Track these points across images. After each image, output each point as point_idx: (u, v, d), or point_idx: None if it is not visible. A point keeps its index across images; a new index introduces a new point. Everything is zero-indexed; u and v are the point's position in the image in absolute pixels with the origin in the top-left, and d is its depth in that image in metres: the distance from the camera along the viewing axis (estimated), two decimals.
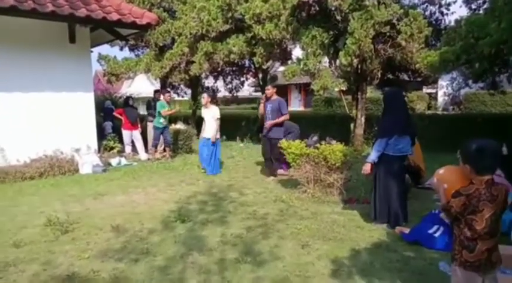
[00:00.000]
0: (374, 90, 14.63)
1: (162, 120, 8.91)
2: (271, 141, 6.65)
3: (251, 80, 17.18)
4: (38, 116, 7.66)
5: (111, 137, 9.93)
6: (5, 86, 7.30)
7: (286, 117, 6.70)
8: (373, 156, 4.17)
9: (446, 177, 2.24)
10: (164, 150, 9.33)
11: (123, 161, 8.71)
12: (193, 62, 11.13)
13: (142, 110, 13.00)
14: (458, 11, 14.41)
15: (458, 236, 2.09)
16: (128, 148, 9.82)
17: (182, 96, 15.84)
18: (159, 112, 8.83)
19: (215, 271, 3.20)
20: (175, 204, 5.30)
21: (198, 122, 10.13)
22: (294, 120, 7.94)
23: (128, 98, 10.67)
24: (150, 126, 9.80)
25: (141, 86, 23.54)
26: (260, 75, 13.75)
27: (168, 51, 11.46)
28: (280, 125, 6.68)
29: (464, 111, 17.28)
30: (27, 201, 5.55)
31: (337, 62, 9.07)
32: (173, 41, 11.57)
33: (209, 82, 15.54)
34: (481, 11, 8.09)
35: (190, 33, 10.58)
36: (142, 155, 9.46)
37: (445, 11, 10.40)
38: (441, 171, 2.29)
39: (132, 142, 9.78)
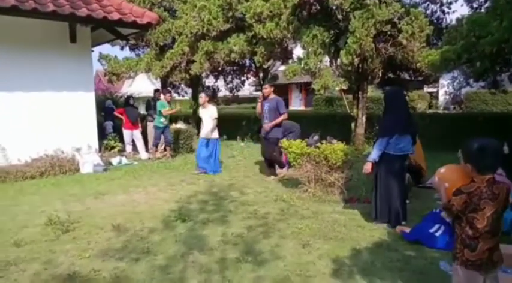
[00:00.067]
0: (375, 89, 14.62)
1: (162, 119, 8.91)
2: (269, 140, 6.65)
3: (252, 79, 17.17)
4: (39, 115, 7.67)
5: (111, 136, 9.94)
6: (6, 86, 7.31)
7: (284, 116, 6.65)
8: (374, 155, 4.16)
9: (447, 176, 2.24)
10: (165, 149, 9.33)
11: (124, 161, 8.71)
12: (193, 61, 11.11)
13: (142, 110, 13.00)
14: (459, 10, 14.34)
15: (460, 235, 2.09)
16: (129, 148, 9.82)
17: (183, 96, 15.83)
18: (159, 111, 8.83)
19: (216, 270, 3.20)
20: (176, 203, 5.30)
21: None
22: (295, 120, 7.94)
23: (129, 97, 10.67)
24: (150, 125, 9.80)
25: (142, 85, 23.53)
26: (261, 75, 13.73)
27: (168, 50, 11.45)
28: (278, 124, 6.64)
29: (466, 110, 17.25)
30: (28, 200, 5.56)
31: (338, 61, 9.06)
32: (174, 40, 11.55)
33: (210, 81, 15.53)
34: (482, 10, 8.06)
35: (191, 33, 10.56)
36: (143, 155, 9.47)
37: (446, 10, 10.39)
38: (442, 170, 2.29)
39: (133, 141, 9.79)
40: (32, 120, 7.60)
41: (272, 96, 6.73)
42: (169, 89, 11.35)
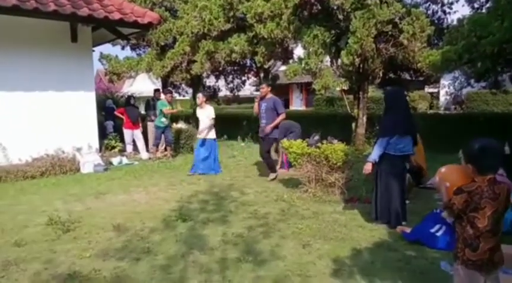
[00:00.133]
0: (376, 90, 14.59)
1: (163, 119, 8.91)
2: (265, 140, 6.63)
3: (252, 79, 17.16)
4: (40, 115, 7.68)
5: (112, 136, 9.94)
6: (7, 85, 7.32)
7: (282, 116, 6.61)
8: (374, 155, 4.16)
9: (448, 176, 2.24)
10: (165, 149, 9.33)
11: (125, 160, 8.72)
12: (194, 61, 11.11)
13: (143, 109, 13.01)
14: (460, 10, 14.41)
15: (461, 234, 2.09)
16: (129, 148, 9.83)
17: (183, 96, 15.84)
18: (160, 110, 8.84)
19: (216, 270, 3.20)
20: (176, 203, 5.30)
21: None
22: (296, 120, 7.94)
23: (130, 97, 10.69)
24: (150, 125, 9.80)
25: (143, 85, 23.50)
26: (261, 75, 13.72)
27: (169, 50, 11.45)
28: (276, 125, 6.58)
29: (466, 111, 17.21)
30: (28, 200, 5.57)
31: (339, 61, 9.05)
32: (175, 40, 11.56)
33: (210, 81, 15.53)
34: (483, 10, 8.04)
35: (192, 33, 10.56)
36: (144, 154, 9.47)
37: (447, 10, 10.35)
38: (443, 169, 2.30)
39: (134, 141, 9.79)
40: (32, 119, 7.60)
41: (269, 95, 6.69)
42: (170, 89, 11.36)
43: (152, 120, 9.94)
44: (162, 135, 9.08)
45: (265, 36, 9.18)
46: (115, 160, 8.53)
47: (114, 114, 10.82)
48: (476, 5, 8.55)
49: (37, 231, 4.18)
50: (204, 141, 7.33)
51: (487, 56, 5.98)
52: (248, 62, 13.58)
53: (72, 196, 5.72)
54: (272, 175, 6.70)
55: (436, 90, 20.98)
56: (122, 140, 9.90)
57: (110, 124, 11.44)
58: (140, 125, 9.94)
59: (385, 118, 4.31)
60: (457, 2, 10.15)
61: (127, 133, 9.75)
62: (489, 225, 2.00)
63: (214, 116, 7.32)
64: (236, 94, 15.46)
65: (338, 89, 10.39)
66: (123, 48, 13.78)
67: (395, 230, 4.05)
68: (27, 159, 7.44)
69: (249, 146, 11.37)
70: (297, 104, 26.06)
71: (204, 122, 7.35)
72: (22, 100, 7.50)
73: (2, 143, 7.30)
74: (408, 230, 3.90)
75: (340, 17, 8.37)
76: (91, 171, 7.61)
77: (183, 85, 14.62)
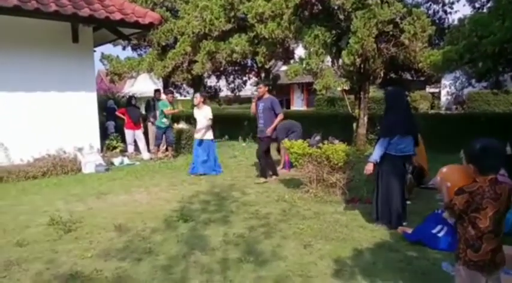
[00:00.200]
0: (377, 90, 14.58)
1: (164, 119, 8.92)
2: (262, 140, 6.61)
3: (253, 79, 17.15)
4: (41, 115, 7.69)
5: (113, 136, 9.96)
6: (8, 86, 7.33)
7: (280, 116, 6.55)
8: (375, 155, 4.15)
9: (449, 176, 2.24)
10: (166, 149, 9.34)
11: (126, 161, 8.73)
12: (195, 61, 11.12)
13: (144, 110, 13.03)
14: (461, 10, 14.37)
15: (463, 235, 2.08)
16: (131, 148, 9.84)
17: (185, 96, 15.85)
18: (161, 111, 8.85)
19: (217, 270, 3.20)
20: (177, 203, 5.30)
21: None
22: (297, 120, 7.96)
23: (131, 97, 10.70)
24: (150, 126, 9.82)
25: (144, 85, 23.51)
26: (262, 75, 13.73)
27: (170, 50, 11.46)
28: (272, 124, 6.50)
29: (468, 111, 17.18)
30: (30, 200, 5.58)
31: (340, 61, 9.05)
32: (176, 40, 11.57)
33: (211, 81, 15.53)
34: (484, 10, 8.03)
35: (193, 33, 10.57)
36: (145, 155, 9.48)
37: (448, 10, 10.34)
38: (444, 169, 2.30)
39: (135, 141, 9.81)
40: (34, 120, 7.62)
41: (267, 95, 6.64)
42: (171, 89, 11.38)
43: (152, 122, 9.97)
44: (164, 136, 9.09)
45: (266, 36, 9.18)
46: (116, 161, 8.54)
47: (115, 115, 10.83)
48: (477, 5, 8.54)
49: (39, 231, 4.19)
50: (201, 142, 7.32)
51: (488, 56, 5.97)
52: (249, 62, 13.59)
53: (73, 197, 5.73)
54: (261, 180, 6.55)
55: (437, 90, 20.94)
56: (123, 140, 9.91)
57: (111, 124, 11.46)
58: (141, 125, 9.95)
59: (386, 118, 4.31)
60: (458, 1, 10.15)
61: (128, 133, 9.76)
62: (491, 226, 1.99)
63: (211, 117, 7.31)
64: (237, 94, 15.47)
65: (339, 89, 10.39)
66: (124, 48, 13.79)
67: (397, 231, 4.04)
68: (28, 159, 7.45)
69: (250, 146, 11.36)
70: (298, 104, 26.03)
71: (201, 122, 7.33)
72: (23, 100, 7.51)
73: (4, 143, 7.32)
74: (409, 231, 3.90)
75: (341, 17, 8.37)
76: (92, 172, 7.62)
77: (184, 85, 14.64)
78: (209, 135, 7.37)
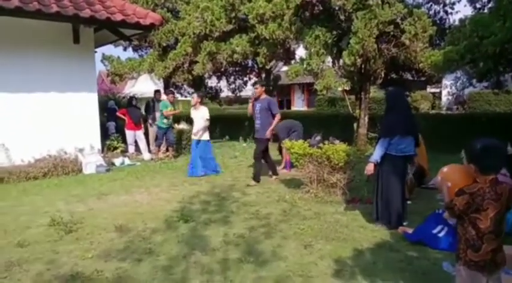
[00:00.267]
0: (377, 90, 14.58)
1: (165, 120, 8.93)
2: (260, 141, 6.58)
3: (254, 80, 17.17)
4: (42, 116, 7.71)
5: (114, 137, 9.97)
6: (9, 86, 7.35)
7: (278, 117, 6.50)
8: (376, 156, 4.15)
9: (450, 176, 2.24)
10: (167, 150, 9.35)
11: (127, 161, 8.74)
12: (196, 62, 11.13)
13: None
14: (462, 10, 14.25)
15: (463, 235, 2.08)
16: (131, 149, 9.86)
17: (185, 96, 15.86)
18: (161, 111, 8.86)
19: (218, 271, 3.20)
20: (178, 204, 5.31)
21: None
22: (297, 120, 7.95)
23: (131, 98, 10.72)
24: (150, 127, 9.83)
25: (145, 86, 23.54)
26: (263, 75, 13.74)
27: (171, 51, 11.47)
28: (270, 125, 6.44)
29: (469, 111, 17.16)
30: (31, 200, 5.59)
31: (341, 61, 9.05)
32: (176, 41, 11.58)
33: (212, 82, 15.55)
34: (485, 10, 8.04)
35: (194, 33, 10.58)
36: (146, 155, 9.50)
37: (449, 10, 10.36)
38: (445, 169, 2.30)
39: (136, 142, 9.82)
40: (35, 120, 7.63)
41: (264, 96, 6.61)
42: (172, 89, 11.38)
43: (150, 124, 9.99)
44: (164, 136, 9.10)
45: (267, 37, 9.19)
46: (117, 161, 8.55)
47: (116, 115, 10.85)
48: (478, 5, 8.55)
49: (39, 232, 4.19)
50: (198, 142, 7.33)
51: (489, 56, 5.97)
52: (250, 62, 13.61)
53: (74, 197, 5.74)
54: (252, 182, 6.47)
55: (438, 90, 20.93)
56: (124, 141, 9.92)
57: (112, 125, 11.48)
58: (142, 125, 9.96)
59: (387, 118, 4.31)
60: (459, 2, 10.15)
61: (129, 134, 9.78)
62: (491, 226, 1.99)
63: (208, 117, 7.31)
64: (238, 95, 15.49)
65: (340, 89, 10.38)
66: (125, 49, 13.81)
67: (397, 231, 4.04)
68: (29, 160, 7.46)
69: (250, 147, 11.34)
70: (299, 105, 26.03)
71: (198, 123, 7.33)
72: (24, 101, 7.53)
73: (5, 144, 7.33)
74: (410, 231, 3.89)
75: (342, 17, 8.37)
76: (93, 172, 7.63)
77: (185, 86, 14.64)
78: (206, 136, 7.38)
